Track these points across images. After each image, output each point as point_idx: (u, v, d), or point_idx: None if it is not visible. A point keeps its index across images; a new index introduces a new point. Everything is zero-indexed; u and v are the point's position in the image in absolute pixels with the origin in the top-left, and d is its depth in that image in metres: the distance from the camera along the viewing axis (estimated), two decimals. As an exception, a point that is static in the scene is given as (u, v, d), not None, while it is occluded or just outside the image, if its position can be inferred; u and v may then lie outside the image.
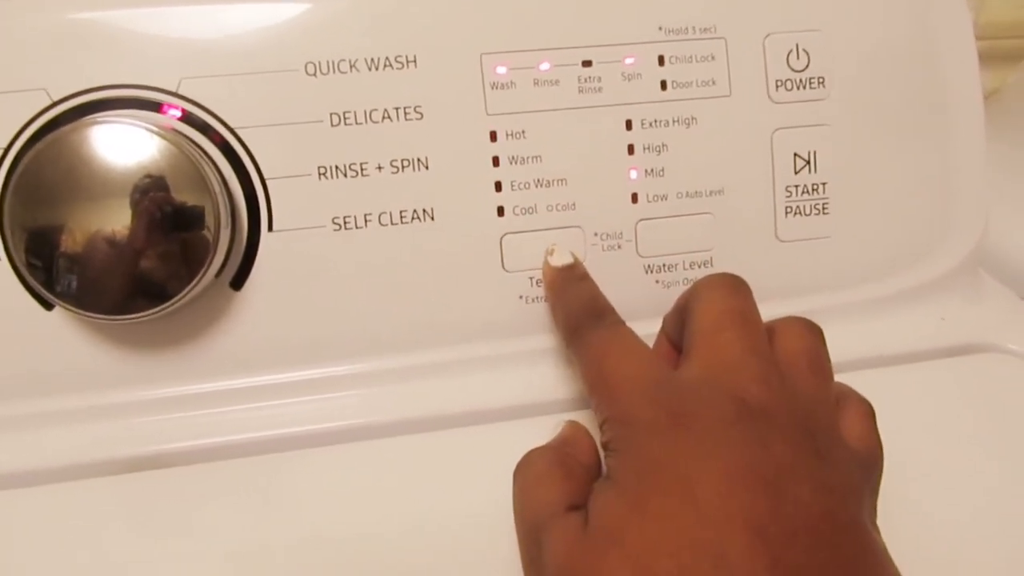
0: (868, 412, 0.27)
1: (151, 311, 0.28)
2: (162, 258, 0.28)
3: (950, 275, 0.36)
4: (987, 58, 0.69)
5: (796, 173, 0.34)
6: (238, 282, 0.31)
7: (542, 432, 0.31)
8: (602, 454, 0.26)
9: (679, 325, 0.29)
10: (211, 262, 0.29)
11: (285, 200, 0.31)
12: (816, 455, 0.23)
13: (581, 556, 0.23)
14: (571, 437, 0.29)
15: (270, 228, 0.31)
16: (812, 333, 0.28)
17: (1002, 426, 0.33)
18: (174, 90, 0.30)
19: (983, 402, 0.34)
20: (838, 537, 0.22)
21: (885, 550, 0.23)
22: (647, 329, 0.33)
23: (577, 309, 0.30)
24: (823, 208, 0.34)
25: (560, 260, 0.32)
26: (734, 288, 0.28)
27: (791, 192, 0.34)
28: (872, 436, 0.26)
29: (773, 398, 0.24)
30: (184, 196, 0.28)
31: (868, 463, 0.26)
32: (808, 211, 0.34)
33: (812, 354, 0.27)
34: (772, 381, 0.25)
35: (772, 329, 0.28)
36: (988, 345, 0.36)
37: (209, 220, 0.28)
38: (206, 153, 0.30)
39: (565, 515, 0.24)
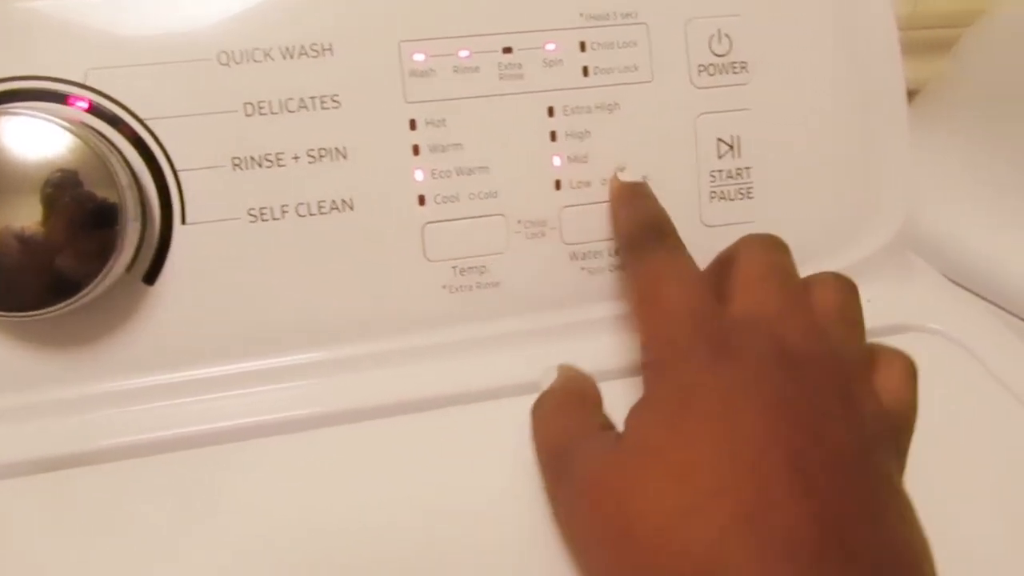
0: (908, 369, 0.27)
1: (57, 307, 0.28)
2: (69, 253, 0.28)
3: (876, 257, 0.36)
4: (923, 48, 0.70)
5: (720, 158, 0.34)
6: (151, 276, 0.30)
7: (466, 422, 0.31)
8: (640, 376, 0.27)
9: (718, 277, 0.29)
10: (119, 256, 0.28)
11: (199, 192, 0.30)
12: (851, 404, 0.24)
13: (618, 468, 0.23)
14: (576, 378, 0.30)
15: (183, 221, 0.30)
16: (846, 288, 0.29)
17: (927, 405, 0.33)
18: (81, 81, 0.29)
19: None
20: (870, 479, 0.23)
21: (910, 503, 0.24)
22: (575, 318, 0.33)
23: (643, 221, 0.31)
24: (748, 192, 0.34)
25: (630, 177, 0.33)
26: (775, 245, 0.29)
27: (715, 177, 0.34)
28: (907, 392, 0.27)
29: (812, 347, 0.25)
30: (91, 190, 0.27)
31: (898, 421, 0.26)
32: (733, 196, 0.34)
33: (846, 308, 0.28)
34: (811, 332, 0.26)
35: (808, 283, 0.29)
36: (914, 325, 0.36)
37: (117, 214, 0.28)
38: (114, 145, 0.29)
39: (598, 432, 0.25)
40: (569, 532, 0.25)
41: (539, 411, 0.29)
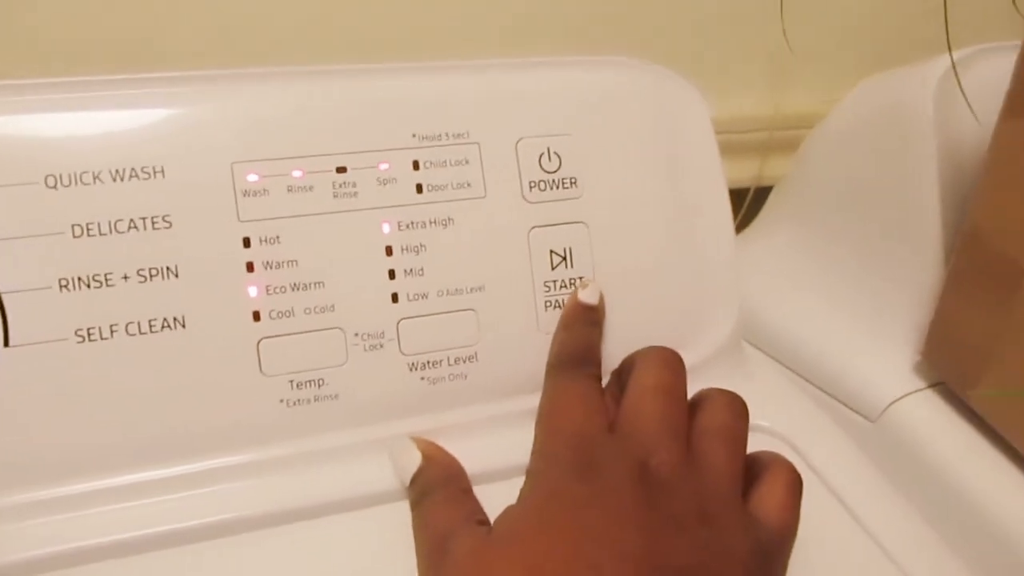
0: (791, 482, 0.29)
1: None
2: None
3: (712, 358, 0.38)
4: (785, 147, 0.74)
5: (553, 269, 0.35)
6: (-28, 400, 0.30)
7: (308, 537, 0.30)
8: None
9: (621, 386, 0.32)
10: (-71, 383, 0.28)
11: (23, 314, 0.30)
12: (702, 520, 0.26)
13: (483, 553, 0.26)
14: (457, 471, 0.32)
15: (6, 343, 0.30)
16: (732, 409, 0.31)
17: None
18: (-100, 206, 0.29)
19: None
20: None
21: None
22: (416, 427, 0.34)
23: (570, 348, 0.33)
24: (583, 301, 0.36)
25: (587, 298, 0.34)
26: (665, 363, 0.32)
27: (550, 287, 0.35)
28: (788, 506, 0.28)
29: (674, 471, 0.27)
30: (-96, 315, 0.27)
31: (774, 533, 0.27)
32: (568, 304, 0.36)
33: (727, 429, 0.30)
34: (676, 461, 0.28)
35: (697, 401, 0.31)
36: (757, 427, 0.37)
37: (-70, 339, 0.28)
38: (-67, 269, 0.29)
39: (475, 526, 0.28)
40: None
41: (430, 498, 0.30)
